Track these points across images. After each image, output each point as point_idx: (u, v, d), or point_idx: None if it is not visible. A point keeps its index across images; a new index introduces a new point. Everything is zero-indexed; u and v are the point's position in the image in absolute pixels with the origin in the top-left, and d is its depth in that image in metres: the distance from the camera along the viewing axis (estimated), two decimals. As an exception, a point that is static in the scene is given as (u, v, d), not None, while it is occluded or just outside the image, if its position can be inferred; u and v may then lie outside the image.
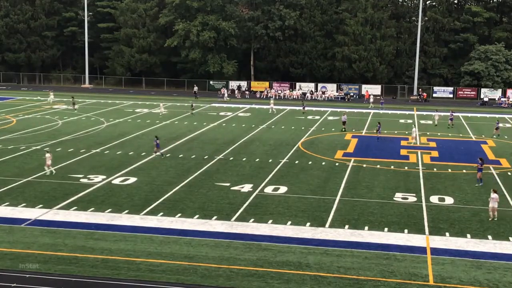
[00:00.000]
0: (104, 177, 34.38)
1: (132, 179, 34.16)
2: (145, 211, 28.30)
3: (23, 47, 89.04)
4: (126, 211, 28.27)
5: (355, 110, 66.91)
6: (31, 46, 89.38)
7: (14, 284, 20.05)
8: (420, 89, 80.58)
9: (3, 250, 23.04)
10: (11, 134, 46.91)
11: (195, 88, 76.94)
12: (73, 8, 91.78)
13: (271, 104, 64.36)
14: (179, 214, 27.90)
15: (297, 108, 66.34)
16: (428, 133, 51.78)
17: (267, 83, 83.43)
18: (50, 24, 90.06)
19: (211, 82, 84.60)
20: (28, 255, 22.68)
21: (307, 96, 79.35)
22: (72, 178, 33.97)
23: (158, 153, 40.21)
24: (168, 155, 40.93)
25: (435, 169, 38.16)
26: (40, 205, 28.78)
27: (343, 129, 52.21)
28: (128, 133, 48.80)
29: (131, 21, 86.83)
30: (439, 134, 51.75)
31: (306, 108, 64.73)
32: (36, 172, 35.00)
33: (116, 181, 33.69)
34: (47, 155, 34.87)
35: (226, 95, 75.46)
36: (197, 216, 27.75)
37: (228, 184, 33.36)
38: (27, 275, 20.78)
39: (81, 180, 33.62)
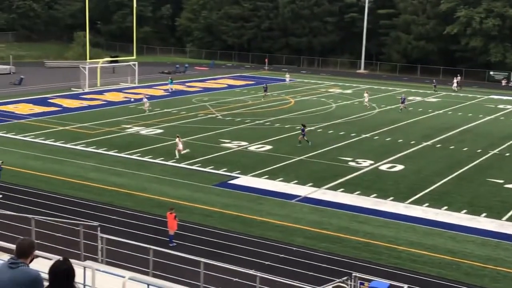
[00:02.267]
0: (372, 162, 34.79)
1: (399, 167, 34.05)
2: (410, 200, 28.06)
3: (305, 32, 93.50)
4: (391, 197, 28.33)
5: None
6: (313, 31, 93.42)
7: (282, 255, 21.47)
8: None
9: (275, 222, 24.76)
10: (288, 114, 49.83)
11: (458, 78, 72.48)
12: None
13: None
14: (445, 207, 27.13)
15: None
16: None
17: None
18: (332, 10, 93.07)
19: (491, 73, 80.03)
20: (296, 229, 24.06)
21: None
22: (341, 160, 35.01)
23: (304, 140, 38.41)
24: (439, 145, 39.92)
25: None
26: (310, 184, 30.21)
27: None
28: (399, 120, 48.59)
29: (411, 7, 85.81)
30: None
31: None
32: (309, 151, 36.73)
33: (383, 167, 33.89)
34: (177, 139, 34.96)
35: (455, 84, 69.66)
36: (464, 211, 26.70)
37: (501, 181, 31.43)
38: (294, 248, 22.10)
39: (350, 163, 34.47)
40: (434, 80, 71.18)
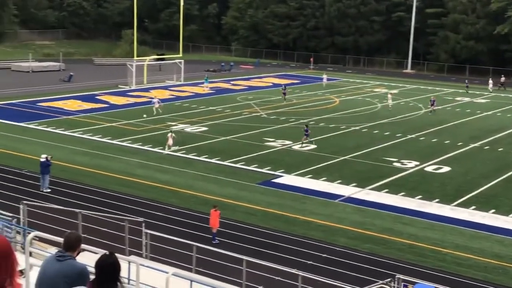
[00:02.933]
0: (417, 163, 34.34)
1: (446, 168, 33.51)
2: (456, 202, 27.60)
3: (351, 31, 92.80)
4: (437, 199, 27.92)
5: None
6: (359, 30, 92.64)
7: (325, 255, 21.39)
8: None
9: (318, 222, 24.69)
10: (333, 114, 49.57)
11: (502, 79, 70.27)
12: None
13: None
14: (492, 210, 26.60)
15: None
16: None
17: None
18: (379, 9, 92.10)
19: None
20: (339, 229, 23.94)
21: None
22: (386, 161, 34.65)
23: (306, 141, 37.74)
24: (487, 147, 39.14)
25: None
26: (354, 184, 30.00)
27: None
28: (446, 121, 47.81)
29: (461, 7, 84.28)
30: None
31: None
32: (353, 151, 36.47)
33: (429, 169, 33.41)
34: (169, 134, 35.48)
35: (491, 85, 67.22)
36: (512, 214, 26.15)
37: (551, 185, 30.65)
38: (337, 248, 21.98)
39: (395, 164, 34.09)
40: (466, 81, 69.77)
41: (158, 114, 45.65)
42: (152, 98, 49.97)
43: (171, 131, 36.19)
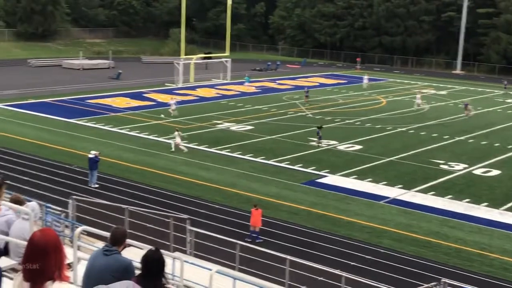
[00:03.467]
0: (466, 165, 33.72)
1: (495, 172, 32.81)
2: (505, 206, 27.00)
3: (400, 31, 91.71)
4: (485, 203, 27.37)
5: None
6: (408, 30, 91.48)
7: (369, 256, 21.20)
8: None
9: (362, 223, 24.49)
10: (380, 114, 49.06)
11: None
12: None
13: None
14: (543, 216, 25.93)
15: None
16: None
17: None
18: (429, 9, 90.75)
19: None
20: (383, 231, 23.70)
21: None
22: (433, 163, 34.13)
23: (319, 144, 37.10)
24: (538, 151, 38.18)
25: None
26: (400, 185, 29.65)
27: None
28: (496, 123, 46.82)
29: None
30: None
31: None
32: (400, 153, 36.04)
33: (477, 172, 32.77)
34: (176, 133, 35.09)
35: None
36: None
37: None
38: (381, 250, 21.78)
39: (442, 166, 33.55)
40: (505, 82, 67.93)
41: (175, 116, 44.86)
42: (170, 101, 48.03)
43: (177, 130, 36.09)
